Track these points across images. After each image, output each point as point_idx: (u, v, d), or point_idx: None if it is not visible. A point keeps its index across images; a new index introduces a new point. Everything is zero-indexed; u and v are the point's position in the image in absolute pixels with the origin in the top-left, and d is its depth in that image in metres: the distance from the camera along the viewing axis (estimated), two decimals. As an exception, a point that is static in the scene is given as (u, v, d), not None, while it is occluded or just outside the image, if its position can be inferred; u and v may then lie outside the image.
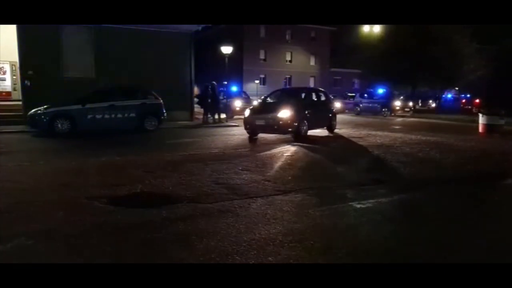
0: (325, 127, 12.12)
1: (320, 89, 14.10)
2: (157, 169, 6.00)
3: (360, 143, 9.70)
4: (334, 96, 26.56)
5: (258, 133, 10.57)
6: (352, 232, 3.36)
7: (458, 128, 14.93)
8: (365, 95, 26.10)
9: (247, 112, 10.88)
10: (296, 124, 9.95)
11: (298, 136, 9.99)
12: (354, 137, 11.08)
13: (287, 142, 9.60)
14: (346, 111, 25.47)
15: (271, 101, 11.95)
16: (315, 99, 11.91)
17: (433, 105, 29.42)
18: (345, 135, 11.52)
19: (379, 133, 12.15)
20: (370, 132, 12.31)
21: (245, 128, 10.59)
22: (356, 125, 15.25)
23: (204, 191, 4.68)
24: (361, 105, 24.52)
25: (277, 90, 14.02)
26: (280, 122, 9.84)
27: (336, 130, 12.44)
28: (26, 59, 12.67)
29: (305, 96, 11.88)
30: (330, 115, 12.26)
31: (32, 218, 3.67)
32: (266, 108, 10.97)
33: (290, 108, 10.07)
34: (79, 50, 13.57)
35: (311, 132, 11.01)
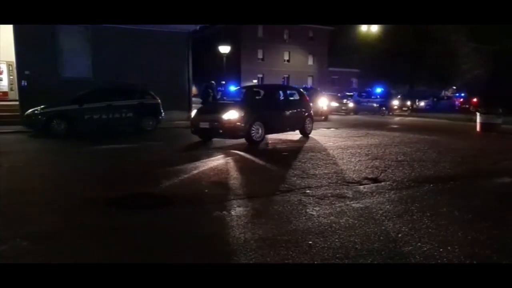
0: (297, 130, 10.58)
1: (294, 86, 13.18)
2: (155, 169, 5.98)
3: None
4: (338, 96, 26.26)
5: (212, 137, 9.17)
6: (350, 232, 3.35)
7: (455, 127, 14.98)
8: (363, 94, 26.14)
9: (193, 112, 9.64)
10: (247, 127, 8.55)
11: (252, 142, 8.66)
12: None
13: (234, 148, 8.19)
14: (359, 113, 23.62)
15: (226, 100, 10.70)
16: (283, 98, 10.41)
17: (421, 103, 29.27)
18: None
19: (377, 132, 12.15)
20: (366, 133, 12.28)
21: (191, 132, 9.30)
22: (353, 126, 15.25)
23: (202, 191, 4.66)
24: (358, 105, 24.60)
25: (242, 87, 12.68)
26: (225, 125, 8.44)
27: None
28: (23, 59, 12.61)
29: (267, 95, 10.34)
30: (304, 116, 10.64)
31: (28, 219, 3.64)
32: (213, 108, 9.64)
33: (240, 108, 8.71)
34: (76, 50, 13.51)
35: (277, 137, 10.01)
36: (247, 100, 10.06)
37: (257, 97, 10.27)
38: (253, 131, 8.73)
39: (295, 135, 10.59)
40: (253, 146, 8.54)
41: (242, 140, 8.83)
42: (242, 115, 8.56)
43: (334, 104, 23.36)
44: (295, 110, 10.43)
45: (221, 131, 8.57)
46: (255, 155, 7.40)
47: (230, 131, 8.52)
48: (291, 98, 10.81)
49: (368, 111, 23.28)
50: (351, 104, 24.30)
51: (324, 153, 7.76)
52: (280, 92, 10.73)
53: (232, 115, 8.50)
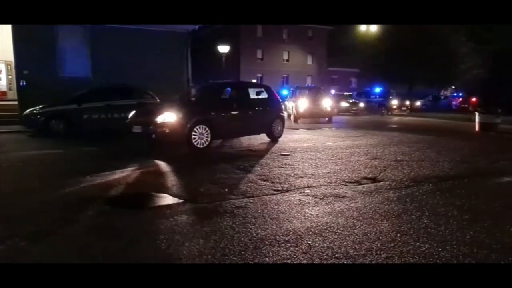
0: (263, 134, 9.52)
1: (261, 83, 11.59)
2: (154, 169, 5.97)
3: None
4: (342, 95, 25.85)
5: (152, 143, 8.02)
6: (349, 231, 3.35)
7: (454, 126, 14.99)
8: (362, 94, 26.18)
9: (131, 114, 8.44)
10: (186, 131, 7.43)
11: (194, 149, 7.55)
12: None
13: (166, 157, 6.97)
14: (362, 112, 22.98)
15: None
16: (243, 97, 9.08)
17: (418, 103, 29.24)
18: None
19: (376, 132, 12.15)
20: (365, 132, 12.28)
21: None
22: (351, 126, 15.26)
23: (201, 191, 4.66)
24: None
25: (198, 85, 11.41)
26: (158, 130, 7.33)
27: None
28: (22, 59, 12.60)
29: (220, 93, 9.05)
30: (272, 118, 9.52)
31: (26, 219, 3.63)
32: (150, 110, 8.48)
33: (178, 109, 7.64)
34: (75, 49, 13.50)
35: (237, 141, 9.16)
36: (189, 99, 8.81)
37: (205, 96, 8.97)
38: (195, 136, 7.59)
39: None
40: (196, 153, 7.48)
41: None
42: (181, 117, 7.44)
43: (344, 104, 22.92)
44: (260, 111, 9.25)
45: (153, 136, 7.41)
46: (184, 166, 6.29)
47: (165, 136, 7.33)
48: (256, 97, 9.47)
49: (367, 110, 23.32)
50: (361, 104, 23.48)
51: (323, 152, 7.77)
52: (240, 89, 9.43)
53: (167, 117, 7.36)
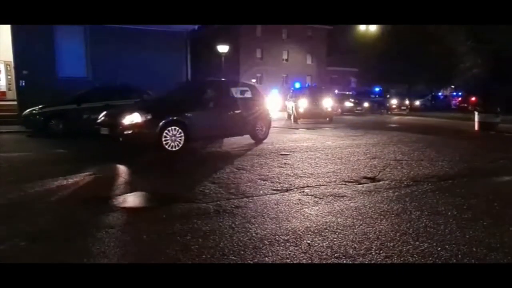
0: (246, 135, 9.08)
1: (247, 83, 10.73)
2: (153, 169, 5.97)
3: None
4: (345, 94, 25.42)
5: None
6: (349, 231, 3.35)
7: (454, 126, 15.00)
8: (362, 93, 26.17)
9: (101, 115, 8.07)
10: (156, 133, 7.01)
11: (165, 152, 7.10)
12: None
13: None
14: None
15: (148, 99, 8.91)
16: (224, 97, 8.62)
17: (417, 102, 29.25)
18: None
19: (376, 131, 12.14)
20: (365, 132, 12.27)
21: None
22: (351, 125, 15.26)
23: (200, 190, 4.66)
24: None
25: (180, 83, 10.67)
26: (125, 132, 6.93)
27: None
28: (21, 59, 12.61)
29: (198, 92, 8.55)
30: (256, 118, 9.09)
31: (26, 219, 3.63)
32: (119, 110, 7.86)
33: (147, 110, 7.24)
34: (74, 50, 13.51)
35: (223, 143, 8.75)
36: (160, 99, 8.23)
37: (180, 96, 8.37)
38: (167, 138, 7.16)
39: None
40: (165, 157, 7.01)
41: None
42: (149, 118, 7.02)
43: (348, 104, 22.55)
44: (243, 111, 8.75)
45: (120, 139, 6.99)
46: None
47: (132, 139, 6.91)
48: (239, 96, 8.99)
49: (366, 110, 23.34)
50: (366, 104, 23.04)
51: (322, 152, 7.77)
52: (220, 88, 8.98)
53: (135, 118, 6.95)
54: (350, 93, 26.86)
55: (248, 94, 9.32)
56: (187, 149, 7.60)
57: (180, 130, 7.35)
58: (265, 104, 9.73)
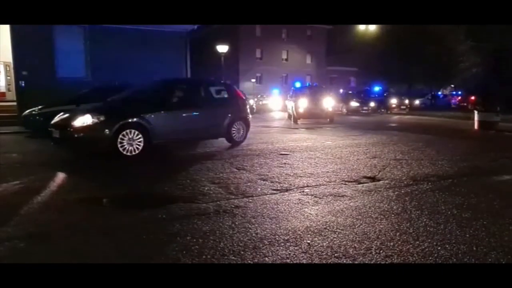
0: (220, 138, 8.57)
1: (223, 82, 10.31)
2: (153, 169, 5.97)
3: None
4: (349, 93, 24.85)
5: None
6: (349, 231, 3.35)
7: (453, 125, 15.00)
8: (362, 93, 26.16)
9: (57, 116, 7.57)
10: (111, 136, 6.50)
11: (122, 157, 6.59)
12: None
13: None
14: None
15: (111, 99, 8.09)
16: (194, 96, 8.12)
17: (416, 102, 29.23)
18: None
19: (376, 131, 12.12)
20: (364, 131, 12.26)
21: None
22: (350, 125, 15.25)
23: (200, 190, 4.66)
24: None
25: (148, 81, 9.66)
26: (75, 135, 6.51)
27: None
28: (20, 60, 12.62)
29: (164, 91, 7.95)
30: (232, 120, 8.53)
31: (26, 219, 3.63)
32: (73, 112, 7.33)
33: (99, 112, 6.78)
34: (73, 50, 13.51)
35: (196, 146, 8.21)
36: (124, 99, 7.66)
37: (142, 95, 7.84)
38: (123, 142, 6.63)
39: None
40: (123, 161, 6.53)
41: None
42: (102, 119, 6.54)
43: (354, 104, 21.89)
44: (216, 112, 8.32)
45: (71, 142, 6.61)
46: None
47: (83, 142, 6.47)
48: (213, 96, 8.58)
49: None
50: (372, 104, 22.35)
51: (322, 151, 7.77)
52: (191, 87, 8.45)
53: (86, 119, 6.49)
54: (355, 92, 26.28)
55: (224, 94, 8.91)
56: (147, 154, 7.04)
57: (138, 133, 6.78)
58: (244, 105, 9.19)
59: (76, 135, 6.51)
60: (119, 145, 6.61)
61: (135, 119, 6.85)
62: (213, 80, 9.98)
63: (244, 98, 9.49)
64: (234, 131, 8.58)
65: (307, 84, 28.25)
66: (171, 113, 7.50)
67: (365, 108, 22.07)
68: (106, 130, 6.54)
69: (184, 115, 7.72)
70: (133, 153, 6.77)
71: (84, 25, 12.98)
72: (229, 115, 8.49)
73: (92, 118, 6.58)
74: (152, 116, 7.09)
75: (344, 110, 22.06)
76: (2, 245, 2.97)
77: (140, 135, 6.80)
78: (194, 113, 7.90)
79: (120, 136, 6.61)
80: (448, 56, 26.70)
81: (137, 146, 6.82)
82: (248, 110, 9.24)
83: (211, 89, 8.73)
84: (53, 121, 7.36)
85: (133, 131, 6.75)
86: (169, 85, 8.41)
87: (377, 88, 26.80)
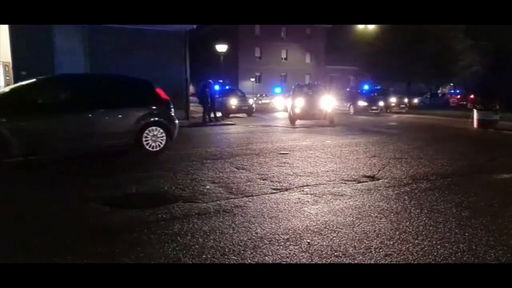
0: (127, 144, 7.16)
1: (138, 79, 7.96)
2: (153, 169, 5.97)
3: None
4: (364, 93, 24.04)
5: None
6: (349, 230, 3.36)
7: (453, 124, 15.00)
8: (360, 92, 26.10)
9: None
10: None
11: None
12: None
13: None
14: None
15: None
16: (93, 96, 6.86)
17: (415, 100, 29.14)
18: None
19: (375, 130, 12.12)
20: (364, 131, 12.26)
21: None
22: (350, 124, 15.25)
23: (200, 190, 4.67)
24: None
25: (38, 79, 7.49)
26: None
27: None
28: (19, 60, 12.58)
29: (37, 90, 6.69)
30: (143, 124, 7.21)
31: (26, 220, 3.64)
32: None
33: None
34: (73, 50, 13.48)
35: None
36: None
37: (14, 96, 6.44)
38: None
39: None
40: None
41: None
42: None
43: (361, 103, 20.99)
44: (121, 115, 7.07)
45: None
46: None
47: None
48: (120, 96, 7.23)
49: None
50: (381, 103, 21.13)
51: (321, 151, 7.77)
52: (88, 85, 7.17)
53: None
54: (363, 91, 25.33)
55: (138, 94, 7.55)
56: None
57: (14, 139, 5.80)
58: (166, 107, 7.70)
59: None
60: None
61: (17, 122, 5.77)
62: (127, 76, 7.84)
63: (167, 99, 7.76)
64: (147, 138, 7.26)
65: (308, 83, 28.14)
66: (57, 118, 6.33)
67: (374, 107, 20.91)
68: None
69: (75, 119, 6.48)
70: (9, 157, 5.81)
71: (83, 25, 12.95)
72: (141, 118, 7.18)
73: None
74: (26, 121, 5.98)
75: (352, 110, 21.61)
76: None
77: (16, 142, 5.77)
78: (92, 117, 6.64)
79: None
80: (448, 54, 26.69)
81: (14, 154, 5.83)
82: (173, 114, 7.77)
83: (126, 87, 7.52)
84: None
85: (9, 138, 5.70)
86: (58, 83, 7.17)
87: (377, 87, 26.81)
